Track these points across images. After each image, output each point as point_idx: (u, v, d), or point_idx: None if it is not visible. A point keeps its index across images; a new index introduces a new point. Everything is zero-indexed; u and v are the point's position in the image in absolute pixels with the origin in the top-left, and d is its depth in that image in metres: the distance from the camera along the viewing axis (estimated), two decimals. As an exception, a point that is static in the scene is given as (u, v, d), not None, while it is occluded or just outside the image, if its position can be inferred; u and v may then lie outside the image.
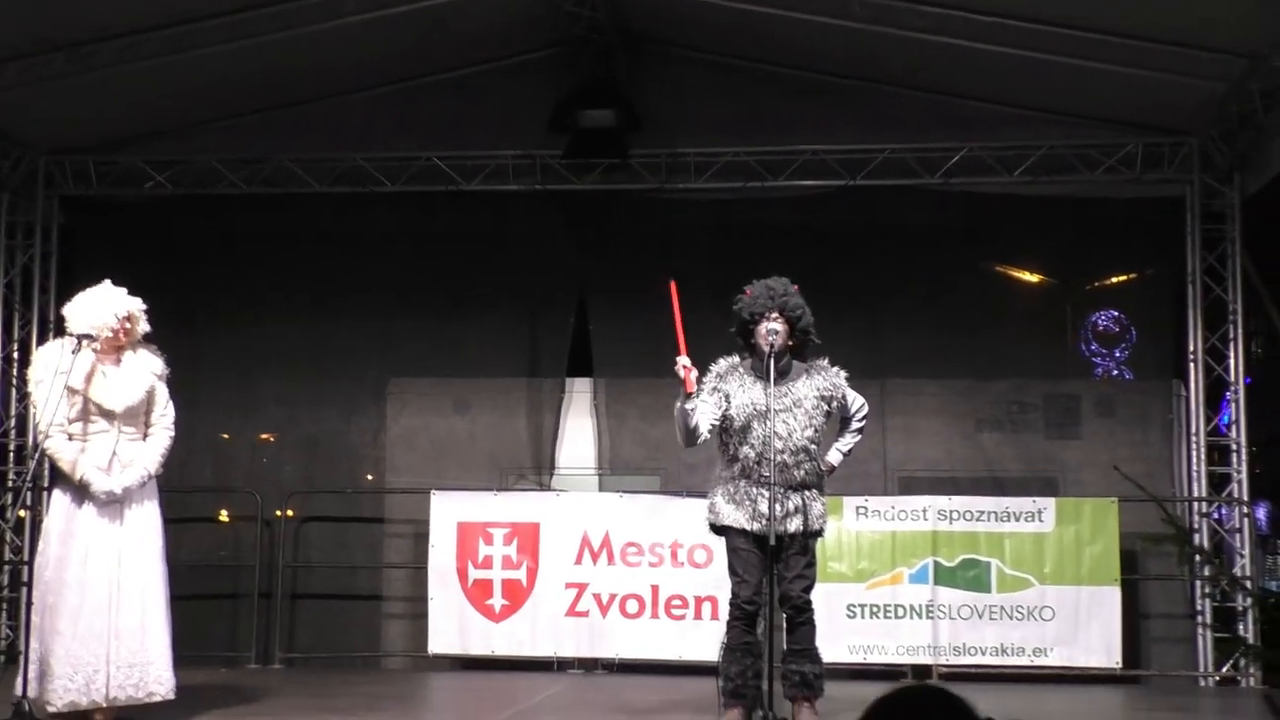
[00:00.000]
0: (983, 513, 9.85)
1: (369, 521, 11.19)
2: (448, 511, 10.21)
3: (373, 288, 11.39)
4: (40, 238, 11.35)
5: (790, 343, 6.73)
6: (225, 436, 11.55)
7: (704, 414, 6.63)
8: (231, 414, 11.46)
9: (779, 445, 6.58)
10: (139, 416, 6.90)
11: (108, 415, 6.80)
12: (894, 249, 11.15)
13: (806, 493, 6.74)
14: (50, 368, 6.74)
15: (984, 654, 9.68)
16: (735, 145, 10.85)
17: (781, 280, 6.82)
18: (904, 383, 11.01)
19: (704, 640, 9.15)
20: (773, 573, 6.61)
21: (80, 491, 6.73)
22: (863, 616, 9.75)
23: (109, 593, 6.66)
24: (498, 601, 10.05)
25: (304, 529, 11.14)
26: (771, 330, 6.65)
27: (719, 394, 6.74)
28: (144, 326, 7.04)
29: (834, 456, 6.97)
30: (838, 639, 9.40)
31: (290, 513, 11.04)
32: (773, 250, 10.82)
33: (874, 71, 10.57)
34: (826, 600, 9.52)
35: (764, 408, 6.62)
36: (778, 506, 6.55)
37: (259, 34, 9.60)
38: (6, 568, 10.98)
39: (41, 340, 11.03)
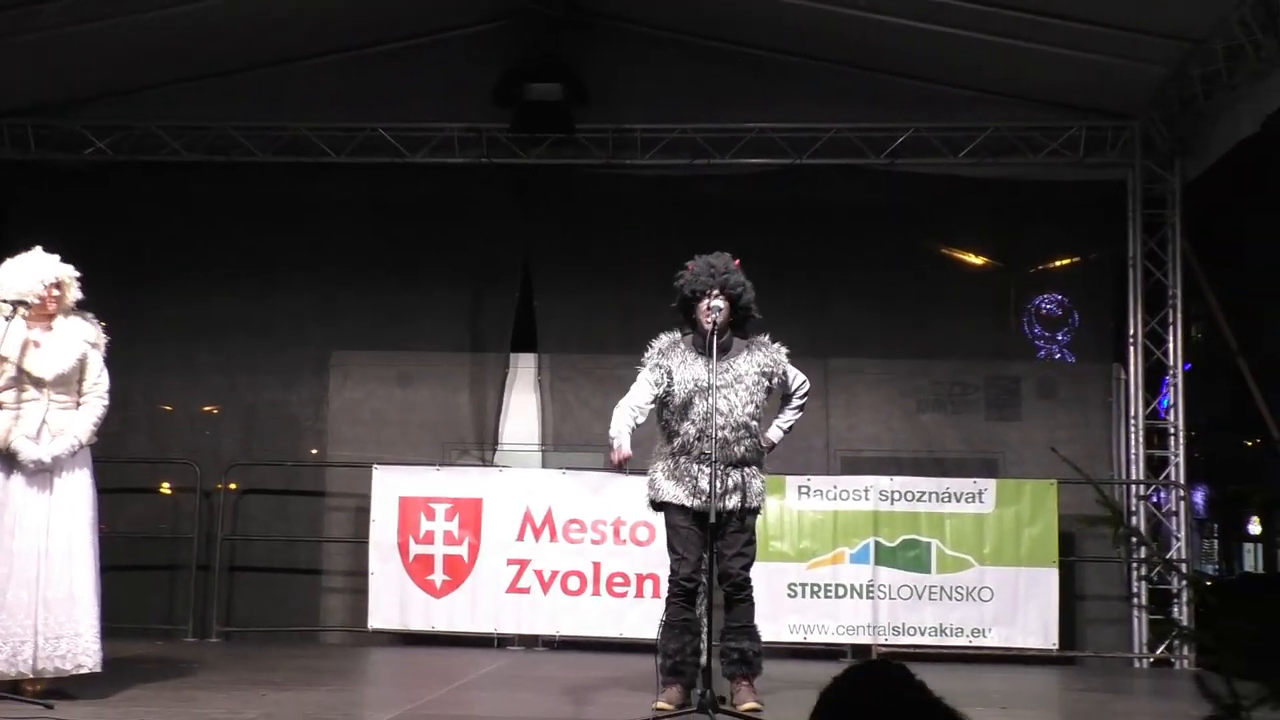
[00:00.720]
0: (924, 493, 9.91)
1: (310, 495, 11.11)
2: (389, 486, 10.16)
3: (316, 259, 11.29)
4: (-24, 203, 11.18)
5: (731, 319, 6.75)
6: (167, 408, 11.43)
7: (627, 428, 6.77)
8: (171, 384, 11.33)
9: (720, 421, 6.60)
10: (70, 385, 6.80)
11: (37, 383, 6.71)
12: (839, 228, 11.18)
13: (746, 470, 6.75)
14: None
15: (923, 634, 9.75)
16: (682, 122, 10.82)
17: (723, 257, 6.82)
18: (847, 362, 11.05)
19: (645, 618, 9.15)
20: (712, 550, 6.62)
21: (10, 461, 6.64)
22: (803, 596, 9.79)
23: (37, 564, 6.58)
24: (439, 577, 10.02)
25: (243, 501, 11.04)
26: (714, 308, 6.65)
27: (660, 370, 6.76)
28: (75, 294, 6.94)
29: (774, 434, 6.98)
30: (778, 618, 9.45)
31: (233, 486, 10.94)
32: (718, 227, 10.82)
33: (821, 50, 10.56)
34: (767, 579, 9.58)
35: (705, 384, 6.64)
36: (720, 485, 6.57)
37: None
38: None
39: (-23, 308, 10.88)
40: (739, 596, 6.86)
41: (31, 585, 6.57)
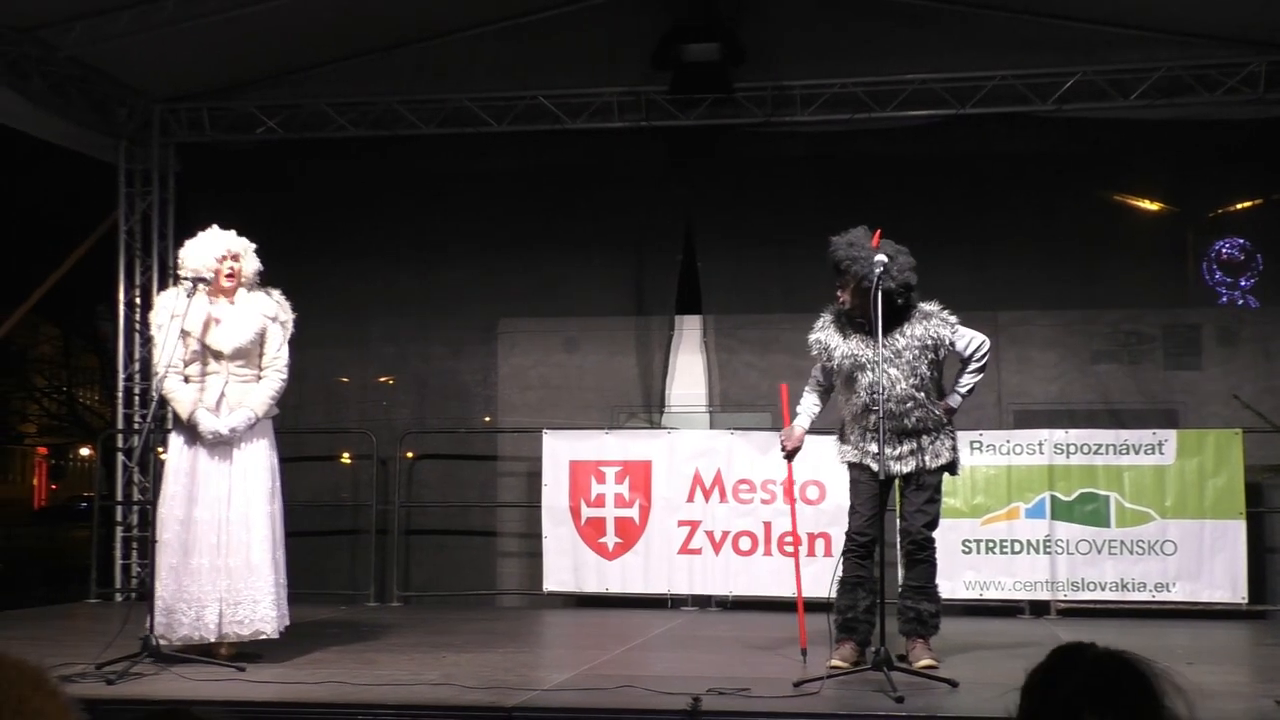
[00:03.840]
0: (1101, 446, 9.68)
1: (482, 459, 11.29)
2: (560, 450, 10.27)
3: (480, 228, 11.42)
4: (158, 185, 11.52)
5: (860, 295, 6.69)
6: (343, 380, 11.71)
7: (806, 413, 7.05)
8: (345, 356, 11.59)
9: (883, 394, 6.57)
10: (250, 359, 7.01)
11: (217, 357, 6.94)
12: (1005, 178, 10.94)
13: (924, 437, 6.74)
14: (168, 312, 6.93)
15: (1104, 589, 9.55)
16: (841, 76, 10.66)
17: (855, 237, 6.69)
18: (1017, 314, 10.82)
19: (817, 577, 9.10)
20: (885, 507, 6.62)
21: (193, 432, 6.89)
22: (978, 552, 9.66)
23: (217, 532, 6.81)
24: (611, 539, 10.11)
25: (418, 468, 11.27)
26: (836, 289, 6.76)
27: (819, 346, 6.87)
28: (252, 265, 7.12)
29: (953, 400, 6.91)
30: (954, 575, 9.33)
31: (409, 454, 11.16)
32: (880, 182, 10.71)
33: (983, -4, 10.35)
34: (941, 536, 9.40)
35: (864, 360, 6.68)
36: (890, 449, 6.62)
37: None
38: (135, 508, 11.28)
39: (162, 286, 11.27)
40: (919, 556, 6.84)
41: (211, 553, 6.81)
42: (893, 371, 6.65)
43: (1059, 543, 9.59)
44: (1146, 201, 11.37)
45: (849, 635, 6.70)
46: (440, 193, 11.49)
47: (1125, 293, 10.86)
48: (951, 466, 6.90)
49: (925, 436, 6.74)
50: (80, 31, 9.71)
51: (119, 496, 11.43)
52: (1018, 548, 9.65)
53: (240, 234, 7.21)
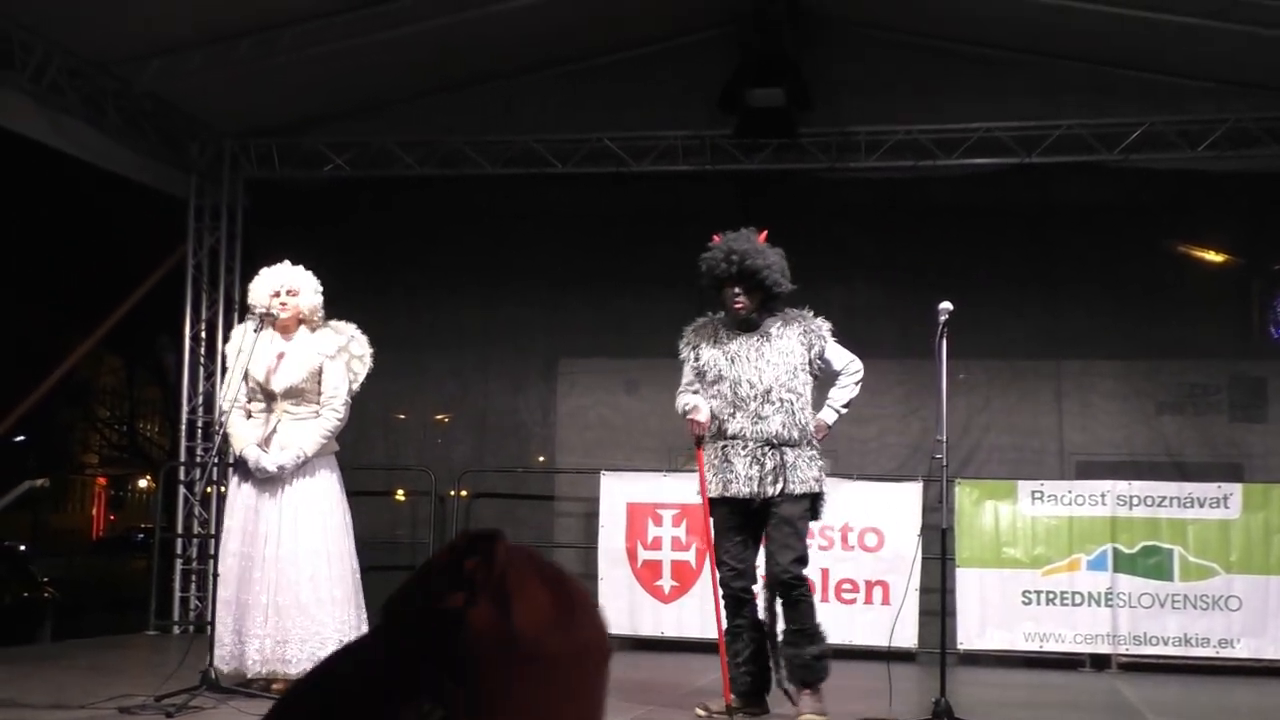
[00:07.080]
0: (1164, 498, 9.58)
1: (539, 499, 11.30)
2: (617, 492, 10.26)
3: (543, 268, 11.47)
4: (226, 219, 11.64)
5: (761, 297, 6.58)
6: (401, 416, 11.77)
7: (690, 397, 6.68)
8: (404, 393, 11.64)
9: (747, 391, 6.40)
10: (306, 396, 6.97)
11: (270, 395, 6.95)
12: (1070, 228, 10.89)
13: (788, 451, 6.41)
14: (235, 346, 6.98)
15: (1166, 644, 9.42)
16: (907, 123, 10.66)
17: (744, 236, 6.64)
18: (1081, 364, 10.75)
19: (874, 625, 9.08)
20: (757, 544, 6.50)
21: (248, 469, 6.92)
22: (1038, 603, 9.56)
23: (261, 568, 6.79)
24: (667, 583, 10.08)
25: (475, 506, 11.29)
26: (735, 296, 6.55)
27: (689, 348, 6.71)
28: (309, 300, 7.10)
29: (827, 414, 6.61)
30: (1013, 626, 9.31)
31: (464, 493, 11.19)
32: (945, 229, 10.68)
33: (1050, 45, 10.32)
34: (1001, 585, 9.49)
35: (732, 356, 6.49)
36: (756, 468, 6.36)
37: (433, 17, 9.73)
38: (195, 541, 11.35)
39: (228, 320, 11.40)
40: (793, 595, 6.49)
41: (252, 587, 6.78)
42: (762, 365, 6.44)
43: (1121, 595, 9.47)
44: (1212, 252, 11.28)
45: (737, 689, 6.49)
46: (504, 231, 11.56)
47: (1190, 344, 10.77)
48: (814, 502, 6.55)
49: (790, 451, 6.40)
50: (156, 68, 9.88)
51: (179, 529, 11.52)
52: (1079, 599, 9.54)
53: (305, 269, 7.24)
